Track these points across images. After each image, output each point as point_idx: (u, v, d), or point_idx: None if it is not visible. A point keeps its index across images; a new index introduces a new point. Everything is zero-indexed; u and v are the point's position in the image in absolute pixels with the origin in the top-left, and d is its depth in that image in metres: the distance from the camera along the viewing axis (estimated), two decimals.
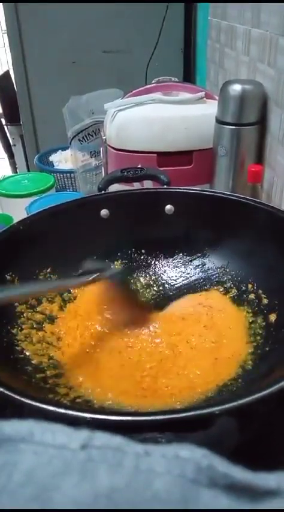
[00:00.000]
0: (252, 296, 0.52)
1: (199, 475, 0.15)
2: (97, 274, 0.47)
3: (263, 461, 0.32)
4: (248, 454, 0.27)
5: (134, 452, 0.16)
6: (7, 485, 0.15)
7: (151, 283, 0.59)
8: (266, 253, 0.51)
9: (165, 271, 0.60)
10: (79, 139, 0.98)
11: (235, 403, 0.28)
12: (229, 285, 0.55)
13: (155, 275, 0.60)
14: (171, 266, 0.60)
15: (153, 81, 0.86)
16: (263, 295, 0.51)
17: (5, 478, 0.15)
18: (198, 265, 0.59)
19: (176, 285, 0.58)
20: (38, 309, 0.51)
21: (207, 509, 0.15)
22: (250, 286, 0.53)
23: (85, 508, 0.14)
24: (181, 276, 0.59)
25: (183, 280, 0.58)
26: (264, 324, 0.48)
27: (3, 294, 0.41)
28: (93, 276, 0.47)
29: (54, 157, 1.12)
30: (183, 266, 0.59)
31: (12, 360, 0.43)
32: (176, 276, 0.59)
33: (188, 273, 0.59)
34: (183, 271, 0.59)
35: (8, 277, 0.49)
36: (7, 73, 1.82)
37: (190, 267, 0.59)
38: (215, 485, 0.15)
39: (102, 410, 0.28)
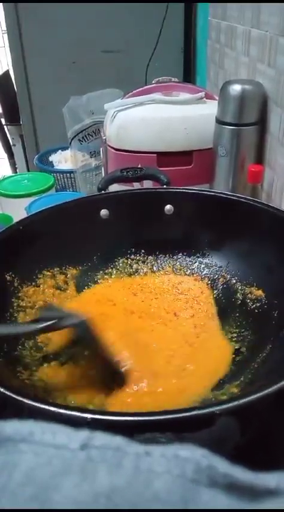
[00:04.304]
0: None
1: (199, 475, 0.15)
2: (54, 321, 0.40)
3: (263, 461, 0.32)
4: (248, 453, 0.27)
5: (134, 452, 0.16)
6: (7, 485, 0.15)
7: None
8: (266, 253, 0.51)
9: (164, 271, 0.60)
10: (79, 140, 0.98)
11: (235, 403, 0.28)
12: None
13: (154, 275, 0.59)
14: (170, 266, 0.60)
15: (153, 81, 0.86)
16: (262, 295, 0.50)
17: (5, 478, 0.15)
18: (198, 265, 0.59)
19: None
20: None
21: (206, 509, 0.15)
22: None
23: (85, 508, 0.14)
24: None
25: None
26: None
27: None
28: (47, 324, 0.40)
29: (54, 158, 1.12)
30: (182, 266, 0.59)
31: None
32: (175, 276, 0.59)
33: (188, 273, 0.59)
34: (183, 271, 0.59)
35: (8, 277, 0.50)
36: (7, 73, 1.82)
37: (190, 267, 0.59)
38: (215, 485, 0.15)
39: (102, 411, 0.28)
